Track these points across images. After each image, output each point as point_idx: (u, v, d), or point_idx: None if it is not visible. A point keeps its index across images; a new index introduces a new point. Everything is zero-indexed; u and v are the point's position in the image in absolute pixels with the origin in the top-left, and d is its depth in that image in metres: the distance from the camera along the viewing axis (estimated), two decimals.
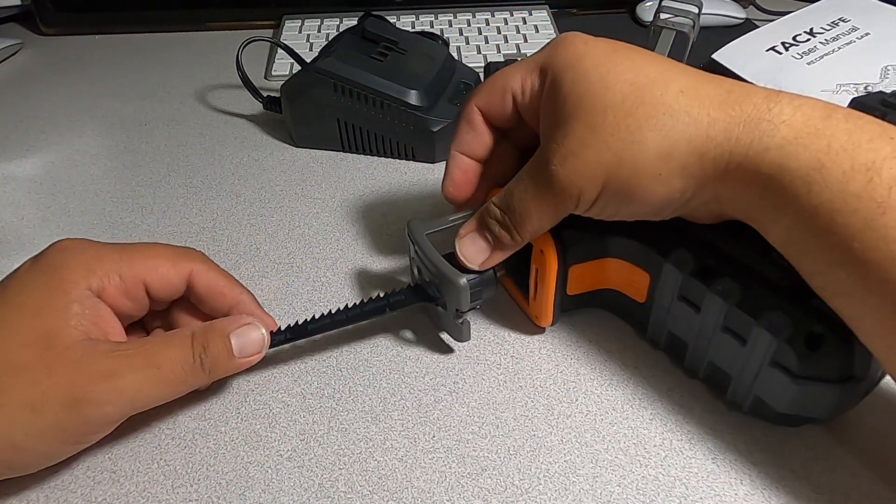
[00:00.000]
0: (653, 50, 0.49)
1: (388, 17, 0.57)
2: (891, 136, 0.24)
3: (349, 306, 0.34)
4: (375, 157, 0.52)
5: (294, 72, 0.58)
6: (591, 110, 0.28)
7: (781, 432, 0.31)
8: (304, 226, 0.45)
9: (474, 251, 0.33)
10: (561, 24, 0.71)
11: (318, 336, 0.36)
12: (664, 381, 0.34)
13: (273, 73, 0.64)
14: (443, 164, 0.51)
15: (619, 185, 0.28)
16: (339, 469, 0.30)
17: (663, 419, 0.32)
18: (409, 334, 0.37)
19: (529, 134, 0.34)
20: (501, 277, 0.35)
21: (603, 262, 0.34)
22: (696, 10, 0.53)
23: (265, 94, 0.55)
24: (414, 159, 0.52)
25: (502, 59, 0.63)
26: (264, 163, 0.52)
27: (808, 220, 0.25)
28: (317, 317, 0.34)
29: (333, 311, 0.34)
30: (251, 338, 0.31)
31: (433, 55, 0.52)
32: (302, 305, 0.39)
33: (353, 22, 0.58)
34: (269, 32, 0.73)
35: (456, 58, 0.58)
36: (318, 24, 0.71)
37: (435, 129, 0.49)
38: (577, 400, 0.33)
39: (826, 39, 0.58)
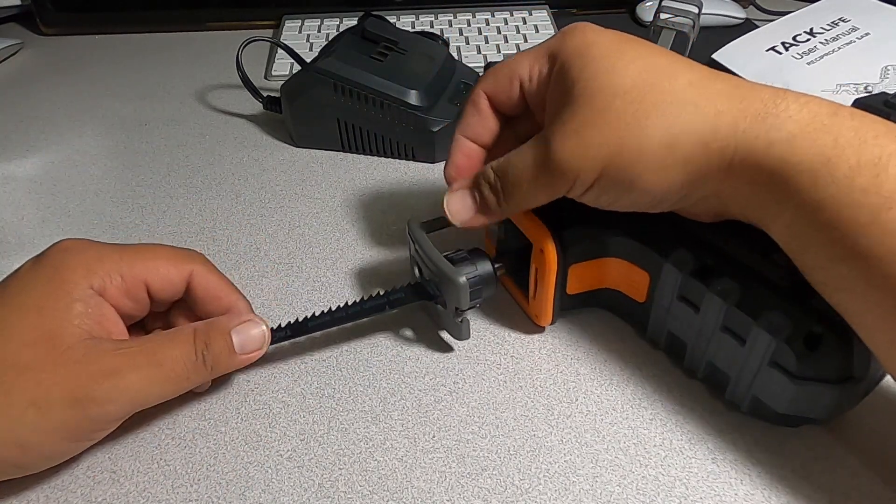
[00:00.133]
0: None
1: (388, 17, 0.57)
2: None
3: (349, 304, 0.34)
4: (375, 157, 0.52)
5: (294, 72, 0.58)
6: (598, 94, 0.27)
7: (781, 432, 0.31)
8: (304, 226, 0.45)
9: (460, 207, 0.33)
10: (561, 24, 0.71)
11: (318, 334, 0.36)
12: (664, 381, 0.34)
13: (273, 73, 0.64)
14: (442, 165, 0.51)
15: (619, 172, 0.27)
16: (339, 469, 0.30)
17: (663, 419, 0.32)
18: (409, 333, 0.37)
19: (533, 124, 0.34)
20: (501, 276, 0.35)
21: (603, 261, 0.34)
22: (696, 10, 0.53)
23: (265, 94, 0.55)
24: (414, 159, 0.52)
25: (502, 59, 0.63)
26: (264, 163, 0.52)
27: (811, 214, 0.25)
28: (317, 314, 0.34)
29: (333, 309, 0.34)
30: (252, 334, 0.31)
31: (433, 55, 0.52)
32: (302, 305, 0.39)
33: (353, 22, 0.58)
34: (269, 32, 0.73)
35: (456, 58, 0.58)
36: (318, 24, 0.71)
37: (435, 129, 0.49)
38: (577, 400, 0.33)
39: (826, 39, 0.58)
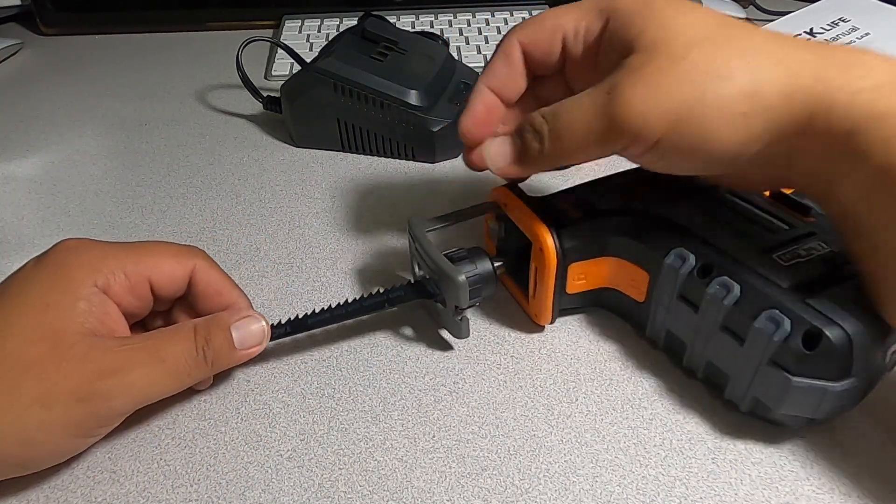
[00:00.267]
0: None
1: (388, 17, 0.57)
2: None
3: (349, 301, 0.34)
4: (375, 157, 0.52)
5: (294, 72, 0.58)
6: (673, 42, 0.25)
7: (781, 432, 0.31)
8: (304, 226, 0.45)
9: (498, 151, 0.31)
10: None
11: (318, 333, 0.36)
12: (664, 381, 0.34)
13: (273, 73, 0.64)
14: (442, 165, 0.51)
15: (691, 126, 0.25)
16: (339, 469, 0.30)
17: (663, 419, 0.32)
18: (409, 332, 0.37)
19: (562, 91, 0.32)
20: (501, 275, 0.35)
21: (602, 260, 0.34)
22: None
23: (265, 94, 0.55)
24: (414, 159, 0.52)
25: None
26: (264, 163, 0.52)
27: (890, 169, 0.23)
28: (317, 311, 0.34)
29: (333, 306, 0.34)
30: (251, 330, 0.31)
31: (433, 55, 0.52)
32: (302, 305, 0.39)
33: (353, 22, 0.58)
34: (269, 32, 0.73)
35: (456, 58, 0.58)
36: (318, 24, 0.71)
37: (435, 129, 0.49)
38: (577, 400, 0.33)
39: (826, 39, 0.58)
